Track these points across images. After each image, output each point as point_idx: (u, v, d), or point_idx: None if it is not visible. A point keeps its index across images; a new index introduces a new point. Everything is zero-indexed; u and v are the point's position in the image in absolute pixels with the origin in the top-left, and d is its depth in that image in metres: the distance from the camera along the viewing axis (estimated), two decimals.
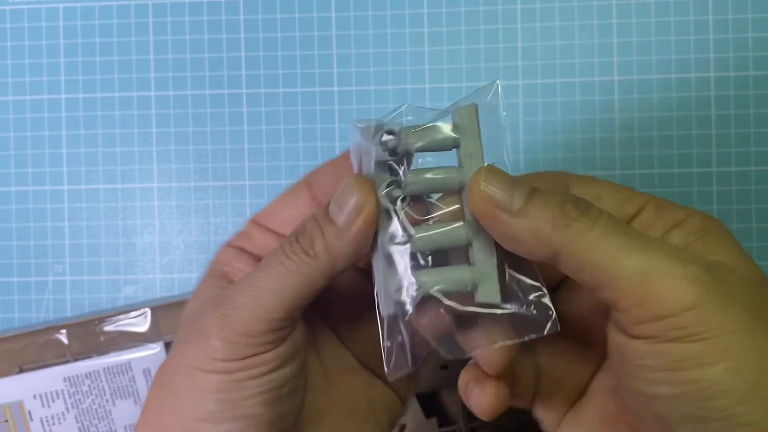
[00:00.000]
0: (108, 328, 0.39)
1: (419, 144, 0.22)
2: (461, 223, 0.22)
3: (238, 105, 0.41)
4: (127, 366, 0.38)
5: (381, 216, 0.21)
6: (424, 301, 0.21)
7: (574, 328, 0.24)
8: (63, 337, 0.38)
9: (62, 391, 0.38)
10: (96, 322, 0.39)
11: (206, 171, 0.42)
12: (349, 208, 0.21)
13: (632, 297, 0.19)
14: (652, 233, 0.22)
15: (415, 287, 0.21)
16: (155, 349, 0.38)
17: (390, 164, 0.22)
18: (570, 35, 0.40)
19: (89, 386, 0.38)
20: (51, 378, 0.38)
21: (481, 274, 0.22)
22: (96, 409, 0.38)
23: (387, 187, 0.22)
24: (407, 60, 0.41)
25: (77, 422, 0.38)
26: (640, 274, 0.19)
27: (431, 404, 0.37)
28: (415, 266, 0.21)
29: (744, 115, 0.40)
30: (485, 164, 0.22)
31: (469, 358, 0.24)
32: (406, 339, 0.22)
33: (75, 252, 0.42)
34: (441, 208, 0.22)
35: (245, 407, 0.21)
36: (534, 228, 0.20)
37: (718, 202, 0.40)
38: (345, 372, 0.26)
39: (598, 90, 0.40)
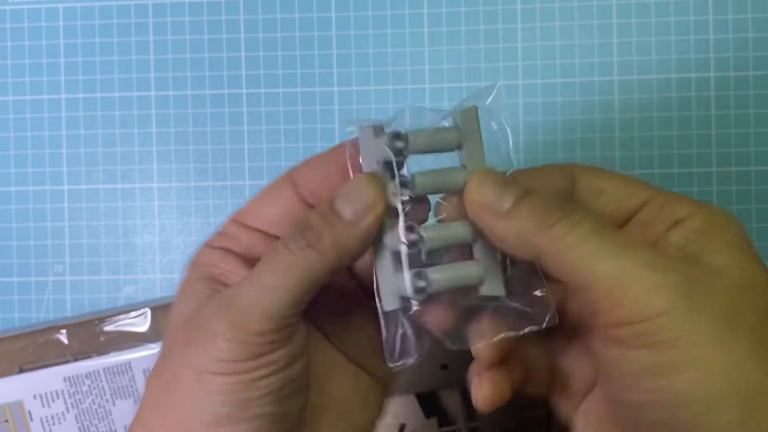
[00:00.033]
0: (108, 328, 0.39)
1: (423, 146, 0.22)
2: (465, 222, 0.22)
3: (238, 105, 0.42)
4: (127, 366, 0.38)
5: (387, 214, 0.22)
6: (429, 296, 0.22)
7: (581, 320, 0.24)
8: (63, 337, 0.38)
9: (62, 391, 0.38)
10: (96, 322, 0.39)
11: (206, 171, 0.42)
12: (361, 205, 0.21)
13: (606, 300, 0.20)
14: (653, 230, 0.22)
15: (423, 284, 0.22)
16: (155, 349, 0.38)
17: (391, 164, 0.22)
18: (570, 35, 0.40)
19: (89, 386, 0.38)
20: (51, 378, 0.38)
21: (486, 270, 0.22)
22: (96, 409, 0.38)
23: (396, 187, 0.22)
24: (407, 60, 0.41)
25: (77, 422, 0.38)
26: (614, 279, 0.19)
27: (431, 404, 0.37)
28: (422, 264, 0.22)
29: (744, 115, 0.40)
30: (486, 165, 0.22)
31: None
32: (410, 332, 0.23)
33: (75, 252, 0.42)
34: (445, 208, 0.23)
35: (256, 407, 0.21)
36: (518, 229, 0.21)
37: (718, 202, 0.40)
38: (333, 368, 0.25)
39: (598, 90, 0.40)
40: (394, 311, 0.22)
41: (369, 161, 0.22)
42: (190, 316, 0.23)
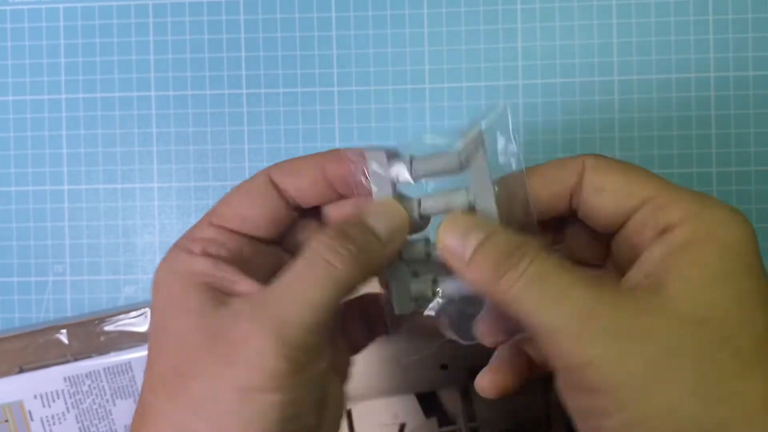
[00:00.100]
0: (108, 328, 0.39)
1: (429, 172, 0.24)
2: None
3: (238, 105, 0.42)
4: (128, 366, 0.38)
5: None
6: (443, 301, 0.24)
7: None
8: (63, 337, 0.38)
9: (62, 391, 0.38)
10: (96, 322, 0.39)
11: (206, 171, 0.42)
12: (394, 226, 0.23)
13: (546, 348, 0.21)
14: (643, 236, 0.22)
15: (440, 289, 0.24)
16: None
17: (397, 186, 0.24)
18: (570, 35, 0.40)
19: (89, 386, 0.38)
20: (51, 378, 0.38)
21: None
22: (96, 409, 0.38)
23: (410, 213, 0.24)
24: (407, 60, 0.41)
25: (77, 422, 0.38)
26: (549, 330, 0.20)
27: (431, 404, 0.37)
28: (434, 278, 0.24)
29: (744, 115, 0.40)
30: (490, 188, 0.23)
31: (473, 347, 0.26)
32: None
33: (75, 252, 0.42)
34: None
35: (304, 418, 0.21)
36: (476, 279, 0.22)
37: None
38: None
39: (598, 90, 0.40)
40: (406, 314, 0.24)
41: (385, 187, 0.24)
42: (208, 331, 0.22)
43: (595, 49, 0.40)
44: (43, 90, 0.42)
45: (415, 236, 0.24)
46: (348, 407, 0.37)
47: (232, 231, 0.24)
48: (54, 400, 0.38)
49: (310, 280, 0.21)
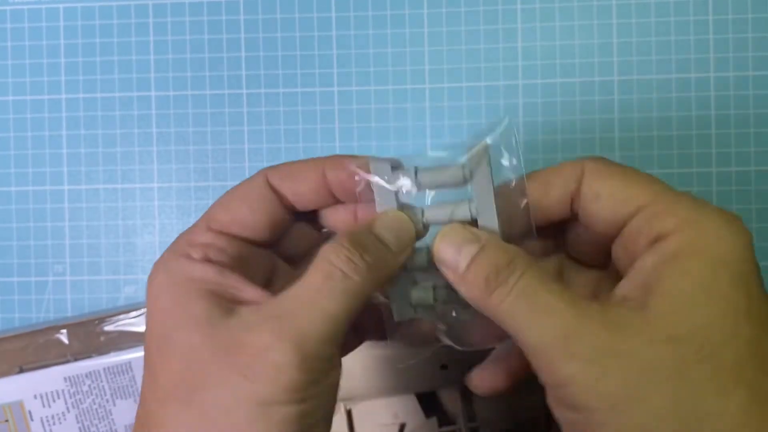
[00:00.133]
0: (108, 328, 0.39)
1: (433, 184, 0.24)
2: None
3: (238, 105, 0.42)
4: (128, 366, 0.38)
5: None
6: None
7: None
8: (63, 337, 0.38)
9: (62, 391, 0.38)
10: (96, 322, 0.39)
11: (206, 171, 0.42)
12: (404, 238, 0.23)
13: (532, 363, 0.21)
14: (637, 245, 0.22)
15: (440, 302, 0.25)
16: None
17: (401, 196, 0.24)
18: (570, 35, 0.40)
19: (89, 386, 0.38)
20: (51, 378, 0.38)
21: None
22: (96, 409, 0.38)
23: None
24: (407, 60, 0.41)
25: (77, 422, 0.38)
26: (534, 347, 0.21)
27: (431, 404, 0.37)
28: (434, 285, 0.25)
29: (744, 115, 0.40)
30: (492, 201, 0.23)
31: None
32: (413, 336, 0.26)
33: (75, 252, 0.42)
34: None
35: (316, 428, 0.22)
36: (469, 292, 0.22)
37: (718, 202, 0.40)
38: None
39: (598, 90, 0.40)
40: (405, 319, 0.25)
41: (382, 193, 0.24)
42: (220, 342, 0.21)
43: (595, 49, 0.40)
44: (44, 90, 0.42)
45: (416, 245, 0.24)
46: (348, 407, 0.37)
47: (230, 236, 0.24)
48: (54, 400, 0.38)
49: (327, 292, 0.21)
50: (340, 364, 0.22)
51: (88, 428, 0.38)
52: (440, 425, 0.37)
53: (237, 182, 0.41)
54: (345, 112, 0.41)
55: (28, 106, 0.42)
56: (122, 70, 0.42)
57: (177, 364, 0.22)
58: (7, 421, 0.38)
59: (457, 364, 0.36)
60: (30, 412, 0.38)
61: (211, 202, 0.42)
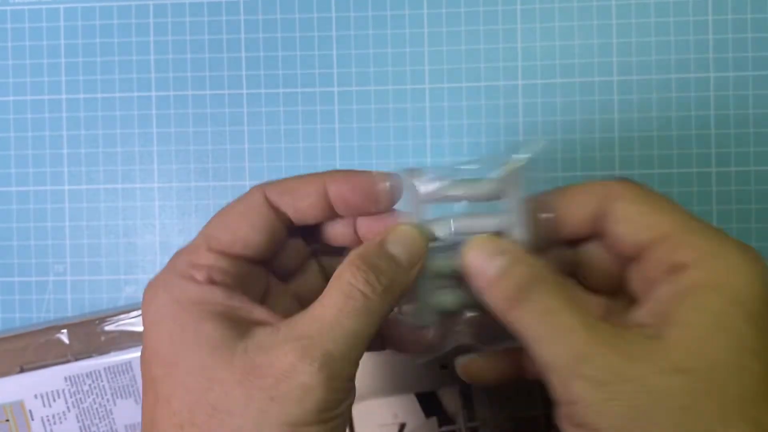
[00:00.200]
0: (109, 327, 0.39)
1: (467, 196, 0.25)
2: None
3: (238, 105, 0.42)
4: (128, 366, 0.38)
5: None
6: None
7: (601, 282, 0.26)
8: (64, 336, 0.39)
9: (63, 390, 0.38)
10: (97, 321, 0.39)
11: (207, 171, 0.42)
12: (415, 253, 0.24)
13: (545, 379, 0.22)
14: (654, 271, 0.22)
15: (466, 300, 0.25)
16: None
17: (428, 206, 0.25)
18: (570, 36, 0.40)
19: (90, 386, 0.38)
20: (52, 378, 0.38)
21: None
22: (97, 409, 0.38)
23: (442, 232, 0.25)
24: (407, 60, 0.41)
25: (78, 422, 0.38)
26: (546, 365, 0.22)
27: (431, 404, 0.37)
28: (457, 291, 0.25)
29: (743, 115, 0.40)
30: (522, 221, 0.24)
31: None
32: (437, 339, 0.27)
33: (76, 252, 0.42)
34: None
35: None
36: (494, 301, 0.23)
37: (718, 203, 0.40)
38: None
39: (598, 90, 0.40)
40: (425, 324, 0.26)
41: (409, 203, 0.25)
42: (240, 366, 0.21)
43: (595, 49, 0.40)
44: (44, 90, 0.42)
45: (441, 253, 0.25)
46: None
47: (232, 255, 0.24)
48: (54, 400, 0.38)
49: (349, 312, 0.22)
50: (355, 385, 0.23)
51: (89, 428, 0.38)
52: (440, 425, 0.37)
53: (237, 182, 0.42)
54: (345, 112, 0.41)
55: (28, 107, 0.42)
56: (123, 71, 0.42)
57: (191, 388, 0.21)
58: (7, 420, 0.38)
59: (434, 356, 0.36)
60: (30, 412, 0.38)
61: (211, 202, 0.42)
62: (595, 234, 0.24)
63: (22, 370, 0.38)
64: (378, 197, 0.25)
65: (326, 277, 0.28)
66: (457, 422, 0.37)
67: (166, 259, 0.42)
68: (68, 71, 0.42)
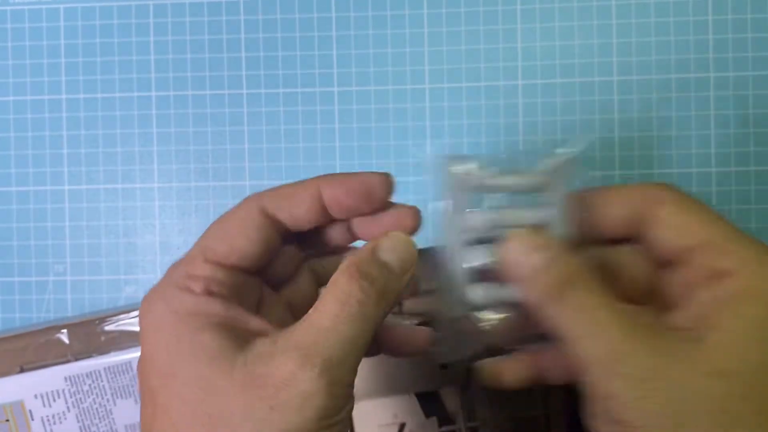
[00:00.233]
0: (109, 327, 0.39)
1: (511, 187, 0.25)
2: None
3: (238, 105, 0.42)
4: (128, 366, 0.38)
5: (463, 242, 0.25)
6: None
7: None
8: (64, 336, 0.39)
9: (63, 390, 0.38)
10: (97, 321, 0.39)
11: (207, 171, 0.42)
12: (408, 260, 0.24)
13: (581, 374, 0.22)
14: (694, 276, 0.23)
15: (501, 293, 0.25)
16: None
17: (469, 195, 0.25)
18: (570, 36, 0.40)
19: (90, 386, 0.38)
20: (52, 378, 0.38)
21: None
22: (97, 409, 0.38)
23: (474, 217, 0.25)
24: (407, 60, 0.41)
25: (78, 421, 0.38)
26: (583, 360, 0.22)
27: (431, 404, 0.37)
28: (494, 285, 0.25)
29: (743, 115, 0.40)
30: (569, 211, 0.24)
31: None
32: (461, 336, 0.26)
33: (76, 252, 0.42)
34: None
35: None
36: (532, 295, 0.23)
37: (718, 203, 0.40)
38: None
39: (598, 90, 0.40)
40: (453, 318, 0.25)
41: (448, 192, 0.25)
42: (239, 376, 0.21)
43: (595, 49, 0.40)
44: (44, 90, 0.42)
45: (477, 246, 0.25)
46: None
47: (228, 266, 0.24)
48: (54, 400, 0.38)
49: (345, 318, 0.22)
50: (353, 393, 0.23)
51: (89, 428, 0.38)
52: (440, 425, 0.37)
53: (237, 182, 0.42)
54: (345, 112, 0.41)
55: (28, 107, 0.42)
56: (123, 71, 0.42)
57: (190, 398, 0.21)
58: (7, 420, 0.38)
59: (456, 363, 0.36)
60: (30, 412, 0.38)
61: (211, 202, 0.42)
62: (629, 236, 0.25)
63: (22, 370, 0.38)
64: (372, 197, 0.25)
65: (318, 284, 0.28)
66: (457, 422, 0.37)
67: (166, 259, 0.42)
68: (68, 71, 0.42)
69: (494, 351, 0.27)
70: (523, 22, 0.41)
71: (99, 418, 0.38)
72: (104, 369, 0.38)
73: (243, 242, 0.24)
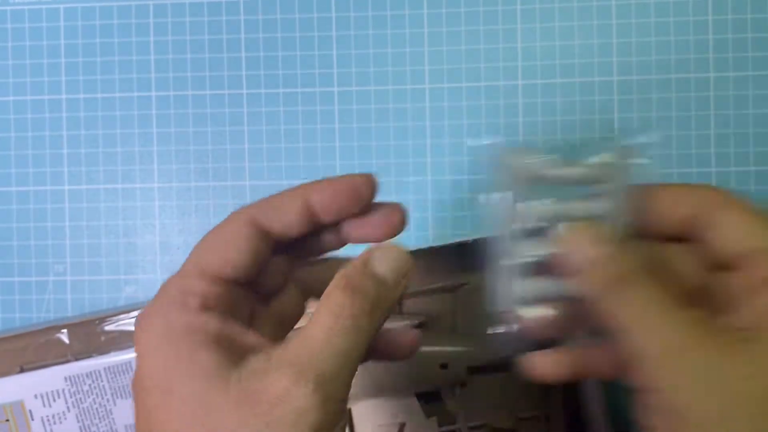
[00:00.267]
0: (109, 327, 0.39)
1: (567, 177, 0.25)
2: None
3: (238, 105, 0.42)
4: (128, 366, 0.38)
5: (516, 234, 0.25)
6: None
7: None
8: (64, 336, 0.39)
9: (63, 390, 0.38)
10: (97, 321, 0.39)
11: (207, 171, 0.42)
12: (401, 271, 0.24)
13: (631, 365, 0.23)
14: (751, 278, 0.23)
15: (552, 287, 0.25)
16: None
17: (525, 187, 0.25)
18: (570, 36, 0.40)
19: (90, 386, 0.38)
20: (52, 378, 0.38)
21: None
22: (97, 409, 0.38)
23: (536, 214, 0.25)
24: (407, 60, 0.41)
25: (78, 421, 0.38)
26: (638, 353, 0.22)
27: (431, 404, 0.37)
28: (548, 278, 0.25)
29: (743, 115, 0.40)
30: (629, 204, 0.24)
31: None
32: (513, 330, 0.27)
33: (76, 252, 0.42)
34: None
35: None
36: (591, 286, 0.23)
37: None
38: None
39: (598, 90, 0.40)
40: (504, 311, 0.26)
41: (506, 183, 0.25)
42: (235, 392, 0.21)
43: (595, 49, 0.40)
44: (44, 90, 0.42)
45: (530, 238, 0.25)
46: (348, 407, 0.37)
47: (224, 281, 0.24)
48: (54, 400, 0.38)
49: (339, 332, 0.22)
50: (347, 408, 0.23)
51: (89, 428, 0.38)
52: (440, 425, 0.37)
53: (237, 182, 0.42)
54: (345, 112, 0.41)
55: (28, 107, 0.42)
56: (123, 71, 0.42)
57: (187, 416, 0.21)
58: (7, 420, 0.38)
59: (457, 363, 0.36)
60: (30, 412, 0.38)
61: (211, 202, 0.42)
62: (683, 235, 0.25)
63: (22, 370, 0.38)
64: (359, 196, 0.25)
65: (306, 294, 0.28)
66: (457, 422, 0.37)
67: (166, 259, 0.43)
68: (68, 71, 0.42)
69: (539, 345, 0.27)
70: (523, 22, 0.41)
71: (99, 418, 0.38)
72: (104, 369, 0.38)
73: (235, 254, 0.24)
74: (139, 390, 0.23)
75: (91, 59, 0.42)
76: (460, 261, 0.37)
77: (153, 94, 0.42)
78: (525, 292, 0.25)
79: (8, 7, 0.42)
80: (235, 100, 0.42)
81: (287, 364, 0.22)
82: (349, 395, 0.26)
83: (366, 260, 0.24)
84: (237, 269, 0.24)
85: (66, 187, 0.42)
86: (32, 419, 0.38)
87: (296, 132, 0.41)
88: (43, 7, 0.42)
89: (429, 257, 0.36)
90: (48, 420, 0.38)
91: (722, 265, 0.24)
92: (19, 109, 0.42)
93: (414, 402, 0.37)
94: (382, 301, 0.23)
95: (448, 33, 0.41)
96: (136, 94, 0.42)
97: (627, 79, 0.40)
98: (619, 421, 0.36)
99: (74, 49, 0.42)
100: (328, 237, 0.27)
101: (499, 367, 0.37)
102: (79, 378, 0.38)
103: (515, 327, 0.25)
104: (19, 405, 0.38)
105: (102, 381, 0.38)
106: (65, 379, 0.38)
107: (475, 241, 0.35)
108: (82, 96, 0.42)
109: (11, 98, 0.42)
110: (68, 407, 0.38)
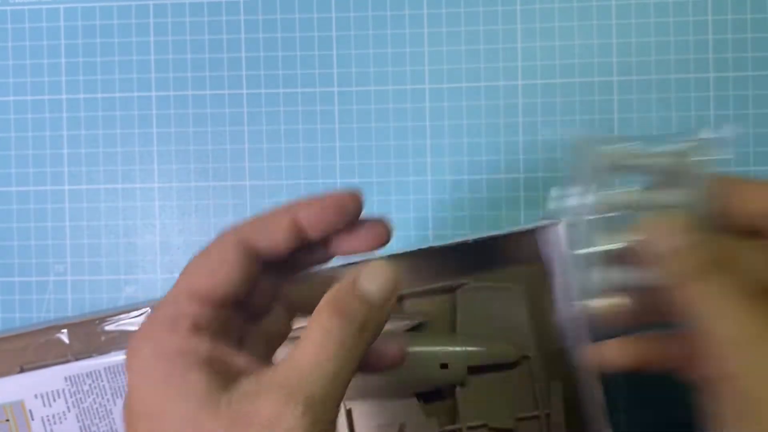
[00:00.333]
0: (109, 327, 0.39)
1: (648, 167, 0.25)
2: None
3: (238, 105, 0.42)
4: None
5: (594, 223, 0.25)
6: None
7: None
8: (64, 336, 0.39)
9: (63, 390, 0.38)
10: (97, 321, 0.39)
11: (207, 171, 0.42)
12: (388, 290, 0.24)
13: (705, 352, 0.23)
14: None
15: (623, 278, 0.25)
16: None
17: (603, 175, 0.25)
18: (570, 36, 0.40)
19: (90, 386, 0.38)
20: (52, 377, 0.38)
21: None
22: (97, 409, 0.38)
23: (617, 203, 0.25)
24: (407, 60, 0.41)
25: (78, 421, 0.38)
26: (715, 339, 0.23)
27: (431, 404, 0.37)
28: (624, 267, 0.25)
29: (743, 115, 0.40)
30: (709, 196, 0.25)
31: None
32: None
33: (76, 252, 0.42)
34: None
35: None
36: (672, 276, 0.24)
37: None
38: None
39: (598, 90, 0.40)
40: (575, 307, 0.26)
41: (586, 173, 0.25)
42: (226, 415, 0.21)
43: (595, 49, 0.40)
44: (44, 90, 0.42)
45: (608, 227, 0.25)
46: (348, 407, 0.37)
47: (214, 303, 0.24)
48: (55, 400, 0.38)
49: (328, 353, 0.22)
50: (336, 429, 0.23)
51: (89, 427, 0.38)
52: (440, 425, 0.37)
53: (238, 182, 0.42)
54: (345, 113, 0.41)
55: (29, 107, 0.42)
56: (123, 71, 0.42)
57: None
58: (7, 420, 0.38)
59: (457, 363, 0.36)
60: (31, 412, 0.38)
61: (211, 202, 0.42)
62: (759, 231, 0.25)
63: (22, 370, 0.38)
64: (346, 212, 0.25)
65: (292, 313, 0.28)
66: (456, 422, 0.37)
67: (166, 259, 0.43)
68: (68, 71, 0.42)
69: (609, 335, 0.27)
70: (523, 22, 0.41)
71: (99, 418, 0.38)
72: (104, 369, 0.38)
73: (225, 276, 0.24)
74: (130, 414, 0.23)
75: (91, 59, 0.42)
76: (460, 261, 0.37)
77: (153, 94, 0.42)
78: (600, 281, 0.25)
79: (8, 7, 0.42)
80: (235, 100, 0.42)
81: (277, 387, 0.22)
82: (349, 396, 0.26)
83: (353, 281, 0.24)
84: (227, 291, 0.24)
85: (66, 187, 0.42)
86: (32, 419, 0.38)
87: (296, 132, 0.41)
88: (43, 7, 0.42)
89: (429, 257, 0.36)
90: (48, 420, 0.38)
91: None
92: (19, 109, 0.42)
93: (414, 402, 0.37)
94: (370, 322, 0.23)
95: (448, 33, 0.41)
96: (136, 94, 0.42)
97: (627, 79, 0.40)
98: (619, 421, 0.36)
99: (74, 49, 0.42)
100: (315, 252, 0.27)
101: (499, 367, 0.37)
102: (79, 378, 0.38)
103: (587, 316, 0.26)
104: (19, 405, 0.38)
105: (102, 381, 0.38)
106: (65, 379, 0.38)
107: (475, 241, 0.35)
108: (82, 96, 0.42)
109: (11, 98, 0.42)
110: (68, 407, 0.38)
